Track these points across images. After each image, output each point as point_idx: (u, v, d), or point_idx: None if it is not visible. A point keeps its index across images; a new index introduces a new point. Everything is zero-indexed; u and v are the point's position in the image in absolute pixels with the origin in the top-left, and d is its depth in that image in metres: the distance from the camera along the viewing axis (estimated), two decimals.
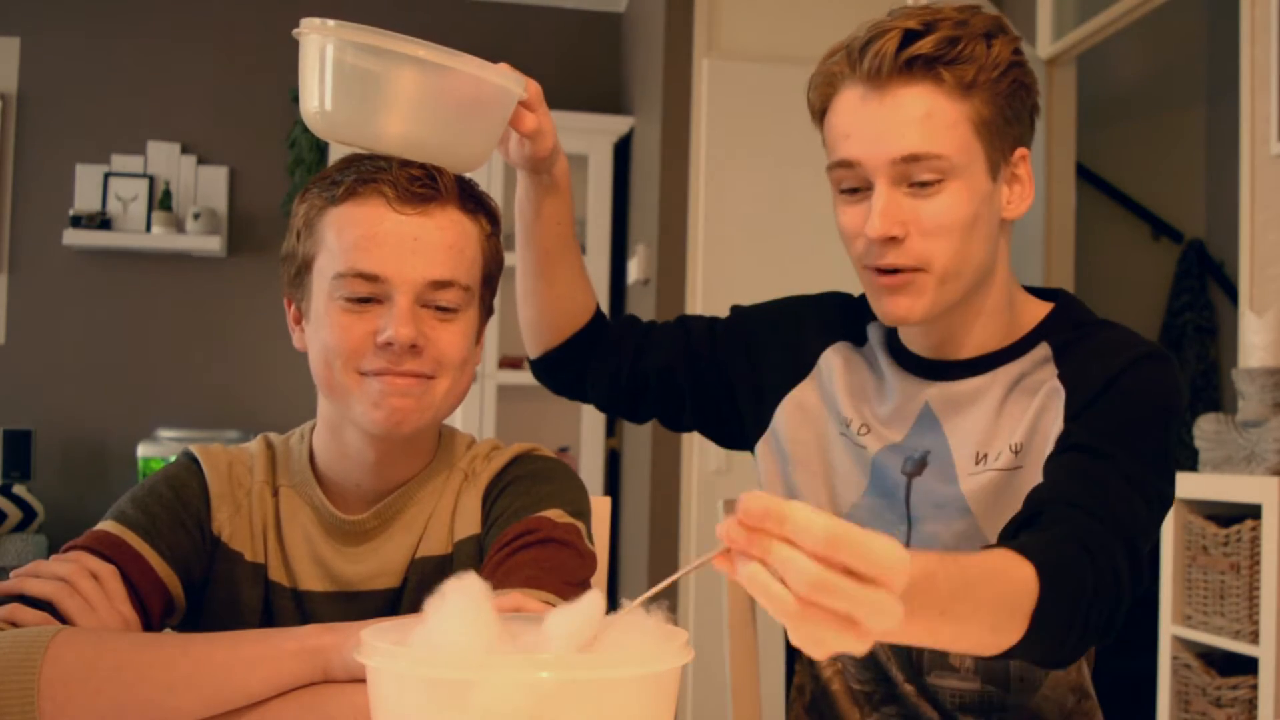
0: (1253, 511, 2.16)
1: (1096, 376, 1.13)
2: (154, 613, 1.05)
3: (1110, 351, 1.15)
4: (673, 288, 3.58)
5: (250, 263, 4.15)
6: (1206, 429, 2.35)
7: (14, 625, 0.94)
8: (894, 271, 1.15)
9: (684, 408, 1.39)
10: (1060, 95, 3.64)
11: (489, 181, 3.81)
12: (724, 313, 1.43)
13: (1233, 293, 4.10)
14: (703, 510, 3.46)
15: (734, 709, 1.43)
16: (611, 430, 4.16)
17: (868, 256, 1.16)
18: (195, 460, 1.15)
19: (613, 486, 4.15)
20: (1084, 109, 3.78)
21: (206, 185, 4.14)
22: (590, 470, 4.04)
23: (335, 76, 1.04)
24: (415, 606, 0.71)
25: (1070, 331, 1.21)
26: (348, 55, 1.03)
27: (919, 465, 1.22)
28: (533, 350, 1.39)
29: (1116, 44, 4.00)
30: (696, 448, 3.48)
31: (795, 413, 1.32)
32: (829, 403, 1.31)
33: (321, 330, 1.08)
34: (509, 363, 4.01)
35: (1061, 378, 1.16)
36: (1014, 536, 1.02)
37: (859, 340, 1.33)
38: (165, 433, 3.88)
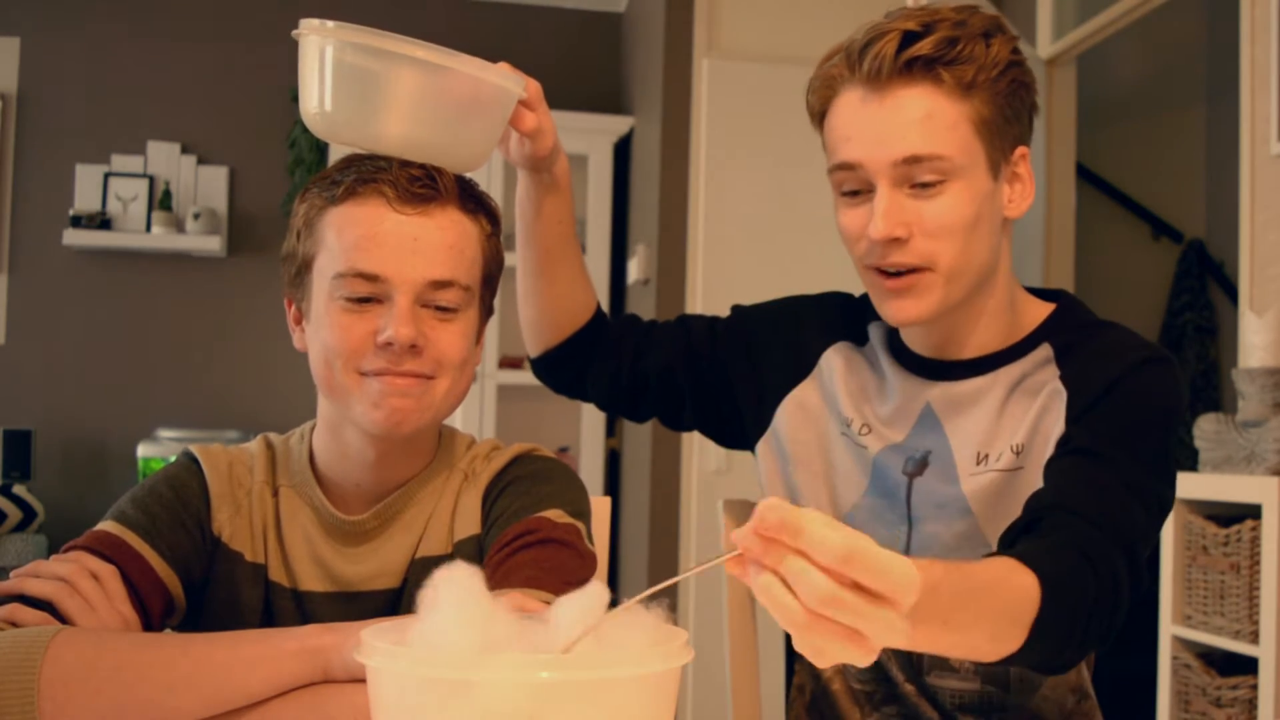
0: (1253, 511, 2.16)
1: (1098, 379, 1.13)
2: (154, 613, 1.05)
3: (1112, 354, 1.15)
4: (673, 288, 3.58)
5: (250, 263, 4.15)
6: (1206, 429, 2.35)
7: (14, 625, 0.94)
8: (898, 274, 1.15)
9: (684, 407, 1.39)
10: (1060, 95, 3.64)
11: (489, 181, 3.81)
12: (724, 312, 1.43)
13: (1233, 293, 4.10)
14: (703, 510, 3.46)
15: (734, 709, 1.43)
16: (611, 430, 4.16)
17: (871, 256, 1.16)
18: (195, 460, 1.15)
19: (613, 486, 4.15)
20: (1084, 109, 3.78)
21: (206, 185, 4.14)
22: (590, 470, 4.04)
23: (335, 77, 1.04)
24: (415, 607, 0.71)
25: (1072, 333, 1.21)
26: (347, 56, 1.03)
27: (920, 465, 1.22)
28: (533, 349, 1.39)
29: (1116, 44, 4.00)
30: (696, 448, 3.48)
31: (796, 412, 1.32)
32: (830, 403, 1.31)
33: (321, 330, 1.08)
34: (509, 363, 4.01)
35: (1063, 379, 1.16)
36: (1014, 543, 1.02)
37: (860, 340, 1.33)
38: (165, 433, 3.88)
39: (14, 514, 3.59)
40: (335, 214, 1.08)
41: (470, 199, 1.12)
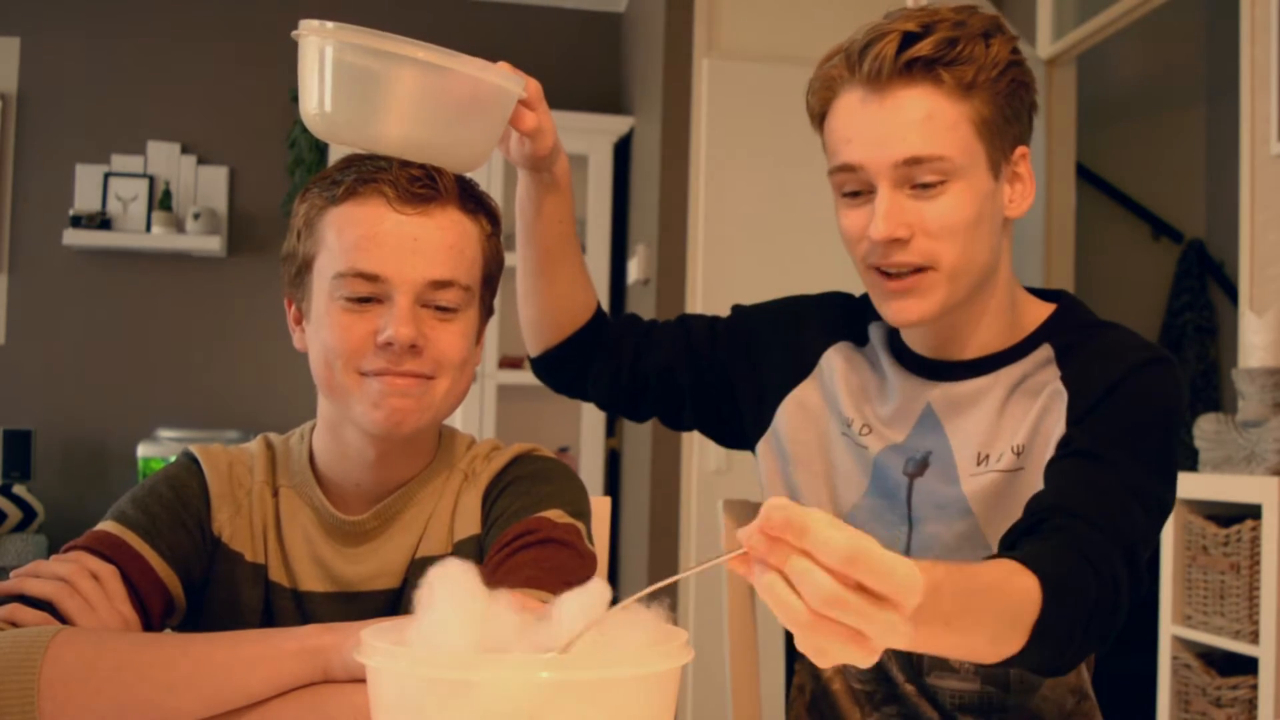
0: (1253, 511, 2.16)
1: (1099, 380, 1.13)
2: (154, 613, 1.05)
3: (1113, 355, 1.15)
4: (673, 288, 3.58)
5: (250, 263, 4.15)
6: (1206, 429, 2.35)
7: (14, 625, 0.94)
8: (900, 275, 1.15)
9: (684, 407, 1.39)
10: (1060, 95, 3.64)
11: (489, 181, 3.81)
12: (724, 312, 1.43)
13: (1233, 293, 4.10)
14: (703, 510, 3.46)
15: (734, 709, 1.43)
16: (611, 430, 4.16)
17: (872, 256, 1.16)
18: (195, 460, 1.15)
19: (613, 486, 4.15)
20: (1084, 109, 3.78)
21: (206, 185, 4.14)
22: (590, 470, 4.04)
23: (335, 78, 1.04)
24: (413, 607, 0.71)
25: (1073, 333, 1.21)
26: (347, 56, 1.03)
27: (920, 466, 1.22)
28: (533, 349, 1.39)
29: (1116, 44, 4.00)
30: (696, 448, 3.48)
31: (797, 412, 1.32)
32: (830, 403, 1.31)
33: (322, 330, 1.08)
34: (509, 363, 4.01)
35: (1064, 380, 1.16)
36: (1015, 545, 1.02)
37: (860, 340, 1.33)
38: (165, 433, 3.88)
39: (14, 514, 3.59)
40: (335, 214, 1.08)
41: (470, 199, 1.12)
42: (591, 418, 4.08)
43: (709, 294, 3.49)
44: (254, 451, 1.18)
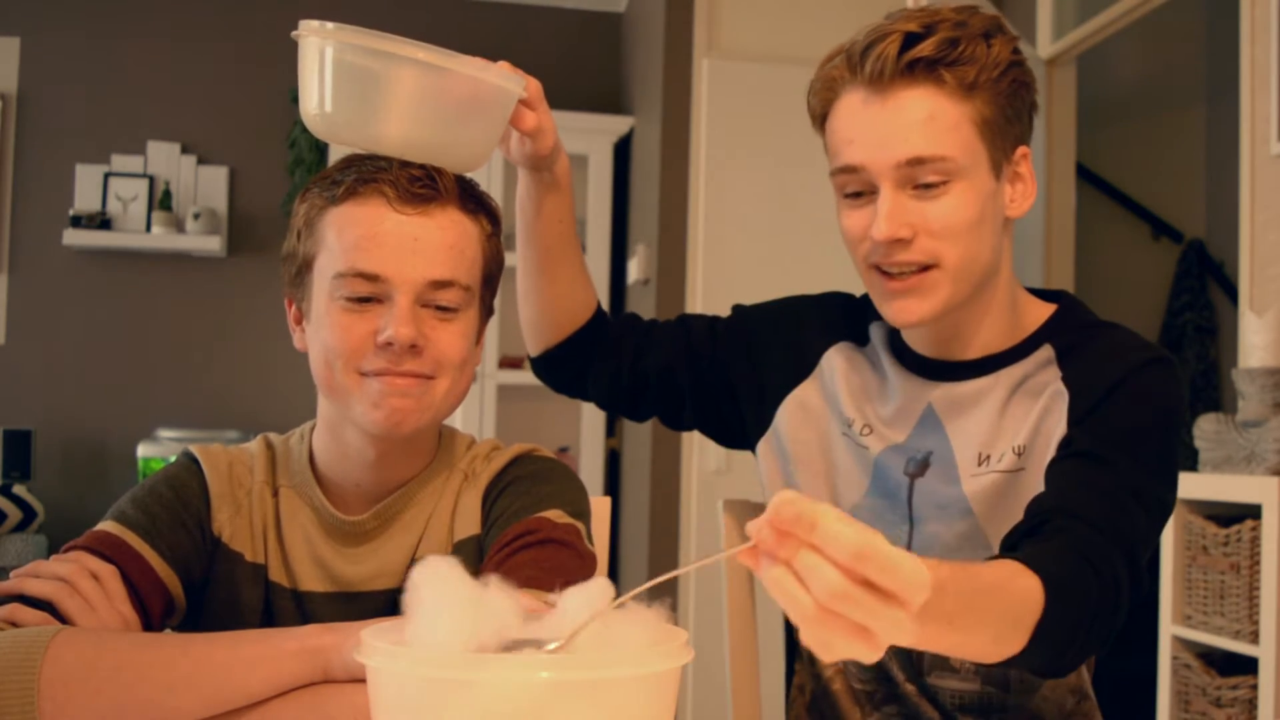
0: (1253, 511, 2.16)
1: (1100, 381, 1.13)
2: (154, 613, 1.05)
3: (1114, 355, 1.15)
4: (673, 288, 3.58)
5: (250, 263, 4.15)
6: (1206, 429, 2.35)
7: (14, 625, 0.94)
8: (901, 275, 1.15)
9: (684, 407, 1.39)
10: (1060, 95, 3.64)
11: (489, 181, 3.81)
12: (724, 312, 1.43)
13: (1233, 293, 4.10)
14: (703, 510, 3.46)
15: (734, 709, 1.43)
16: (611, 430, 4.16)
17: (874, 256, 1.16)
18: (195, 460, 1.15)
19: (613, 486, 4.16)
20: (1084, 109, 3.78)
21: (206, 185, 4.14)
22: (590, 470, 4.04)
23: (335, 78, 1.04)
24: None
25: (1074, 334, 1.21)
26: (347, 57, 1.03)
27: (921, 466, 1.22)
28: (533, 348, 1.39)
29: (1116, 44, 4.00)
30: (696, 448, 3.48)
31: (797, 412, 1.32)
32: (831, 403, 1.31)
33: (322, 330, 1.08)
34: (509, 363, 4.01)
35: (1065, 380, 1.16)
36: (1016, 546, 1.02)
37: (861, 340, 1.33)
38: (165, 433, 3.88)
39: (14, 514, 3.59)
40: (336, 214, 1.08)
41: (470, 199, 1.12)
42: (591, 418, 4.08)
43: (709, 294, 3.49)
44: (254, 451, 1.17)
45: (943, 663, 1.23)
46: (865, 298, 1.32)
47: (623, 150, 4.25)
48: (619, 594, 0.71)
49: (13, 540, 3.56)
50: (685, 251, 3.58)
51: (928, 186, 1.13)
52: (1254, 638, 2.12)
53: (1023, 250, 3.60)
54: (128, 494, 1.11)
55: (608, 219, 4.14)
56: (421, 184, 1.07)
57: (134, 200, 4.03)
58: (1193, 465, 2.43)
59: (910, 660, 1.25)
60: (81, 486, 3.98)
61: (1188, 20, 4.38)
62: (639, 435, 3.72)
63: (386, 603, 1.12)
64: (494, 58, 1.09)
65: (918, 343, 1.26)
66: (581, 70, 4.38)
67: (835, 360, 1.32)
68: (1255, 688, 2.13)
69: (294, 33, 1.05)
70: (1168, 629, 2.36)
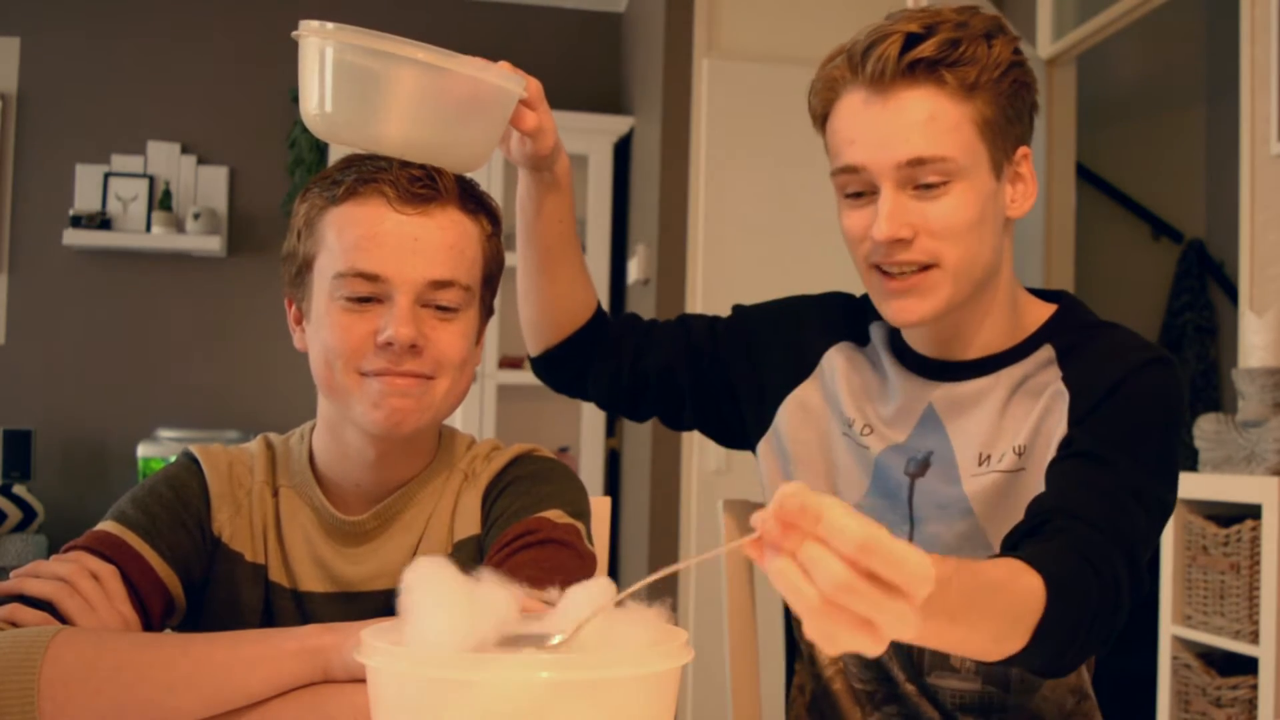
0: (1253, 511, 2.16)
1: (1101, 381, 1.13)
2: (154, 613, 1.05)
3: (1114, 355, 1.16)
4: (673, 288, 3.58)
5: (250, 263, 4.15)
6: (1206, 429, 2.35)
7: (14, 625, 0.94)
8: (902, 274, 1.15)
9: (684, 407, 1.39)
10: (1060, 95, 3.64)
11: (489, 181, 3.81)
12: (724, 312, 1.43)
13: (1233, 293, 4.10)
14: (703, 510, 3.46)
15: (734, 709, 1.43)
16: (611, 430, 4.16)
17: (875, 255, 1.16)
18: (195, 460, 1.15)
19: (613, 486, 4.15)
20: (1084, 109, 3.78)
21: (206, 185, 4.14)
22: (590, 470, 4.04)
23: (335, 78, 1.04)
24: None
25: (1074, 334, 1.21)
26: (347, 57, 1.03)
27: (922, 466, 1.22)
28: (533, 348, 1.39)
29: (1116, 44, 4.00)
30: (696, 448, 3.48)
31: (798, 412, 1.32)
32: (832, 403, 1.31)
33: (322, 330, 1.08)
34: (509, 363, 4.01)
35: (1066, 381, 1.17)
36: (1016, 546, 1.02)
37: (862, 340, 1.33)
38: (165, 433, 3.88)
39: (14, 514, 3.59)
40: (336, 214, 1.08)
41: (471, 199, 1.12)
42: (591, 418, 4.08)
43: (709, 294, 3.49)
44: (254, 451, 1.17)
45: (943, 662, 1.23)
46: (865, 298, 1.32)
47: (623, 150, 4.25)
48: (613, 598, 0.71)
49: (13, 540, 3.56)
50: (685, 251, 3.58)
51: (928, 187, 1.13)
52: (1254, 638, 2.12)
53: (1023, 250, 3.60)
54: (128, 494, 1.11)
55: (608, 219, 4.14)
56: (422, 184, 1.07)
57: (134, 200, 4.03)
58: (1193, 465, 2.43)
59: (910, 660, 1.25)
60: (81, 486, 3.98)
61: (1188, 20, 4.38)
62: (639, 435, 3.72)
63: (386, 603, 1.12)
64: (494, 58, 1.09)
65: (918, 343, 1.26)
66: (581, 70, 4.38)
67: (836, 360, 1.32)
68: (1255, 688, 2.13)
69: (294, 33, 1.05)
70: (1168, 629, 2.36)
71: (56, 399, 4.00)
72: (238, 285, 4.14)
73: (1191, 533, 2.32)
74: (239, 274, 4.15)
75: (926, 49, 1.11)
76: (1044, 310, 1.25)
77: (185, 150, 4.14)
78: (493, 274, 1.15)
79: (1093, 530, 1.01)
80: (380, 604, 1.12)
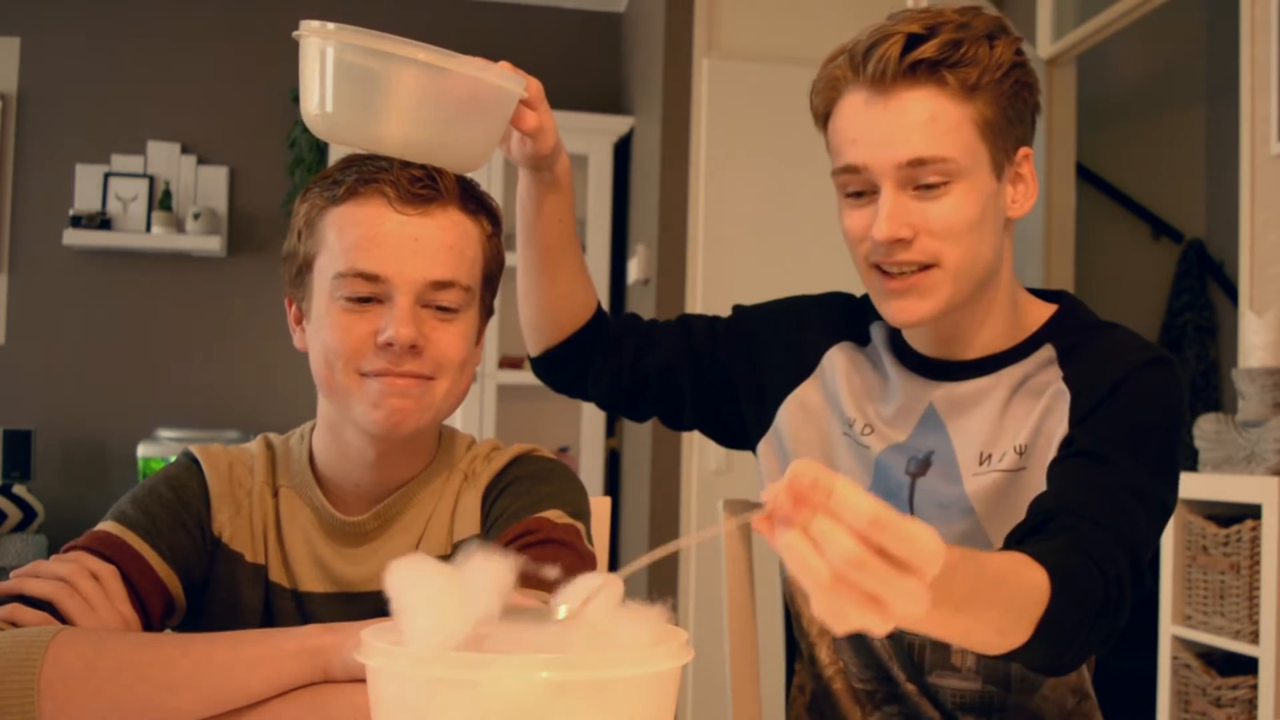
0: (1253, 511, 2.16)
1: (1102, 381, 1.13)
2: (154, 613, 1.05)
3: (1115, 355, 1.16)
4: (673, 288, 3.58)
5: (250, 263, 4.15)
6: (1206, 429, 2.34)
7: (14, 625, 0.94)
8: (902, 274, 1.15)
9: (685, 407, 1.39)
10: (1060, 95, 3.64)
11: (489, 181, 3.80)
12: (724, 312, 1.43)
13: (1233, 293, 4.10)
14: (703, 510, 3.46)
15: (734, 709, 1.43)
16: (611, 430, 4.16)
17: (875, 255, 1.16)
18: (195, 460, 1.15)
19: (613, 486, 4.15)
20: (1084, 109, 3.78)
21: (206, 185, 4.14)
22: (590, 470, 4.04)
23: (336, 78, 1.04)
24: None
25: (1075, 334, 1.21)
26: (348, 57, 1.03)
27: (923, 465, 1.22)
28: (533, 348, 1.39)
29: (1116, 44, 4.00)
30: (696, 448, 3.48)
31: (798, 412, 1.32)
32: (832, 403, 1.31)
33: (322, 330, 1.08)
34: (509, 363, 4.01)
35: (1067, 380, 1.17)
36: (1019, 545, 1.02)
37: (862, 340, 1.33)
38: (165, 433, 3.88)
39: (14, 514, 3.59)
40: (336, 214, 1.08)
41: (471, 199, 1.12)
42: (591, 418, 4.08)
43: (709, 294, 3.49)
44: (254, 452, 1.17)
45: (944, 662, 1.23)
46: (866, 298, 1.32)
47: (623, 150, 4.25)
48: (620, 595, 0.71)
49: (13, 540, 3.56)
50: (685, 251, 3.58)
51: (929, 187, 1.13)
52: (1254, 638, 2.12)
53: (1023, 250, 3.60)
54: (128, 494, 1.11)
55: (608, 219, 4.14)
56: (422, 184, 1.07)
57: (134, 200, 4.03)
58: (1193, 465, 2.43)
59: (911, 659, 1.25)
60: (81, 486, 3.98)
61: (1188, 20, 4.38)
62: (639, 435, 3.72)
63: (386, 603, 1.12)
64: (494, 58, 1.09)
65: (919, 342, 1.26)
66: (581, 70, 4.38)
67: (836, 360, 1.32)
68: (1255, 688, 2.13)
69: (294, 33, 1.05)
70: (1168, 629, 2.36)
71: (56, 399, 4.00)
72: (238, 285, 4.14)
73: (1191, 533, 2.32)
74: (239, 274, 4.15)
75: (928, 50, 1.11)
76: (1044, 310, 1.25)
77: (185, 150, 4.14)
78: (493, 274, 1.15)
79: (1096, 529, 1.01)
80: (380, 604, 1.11)
